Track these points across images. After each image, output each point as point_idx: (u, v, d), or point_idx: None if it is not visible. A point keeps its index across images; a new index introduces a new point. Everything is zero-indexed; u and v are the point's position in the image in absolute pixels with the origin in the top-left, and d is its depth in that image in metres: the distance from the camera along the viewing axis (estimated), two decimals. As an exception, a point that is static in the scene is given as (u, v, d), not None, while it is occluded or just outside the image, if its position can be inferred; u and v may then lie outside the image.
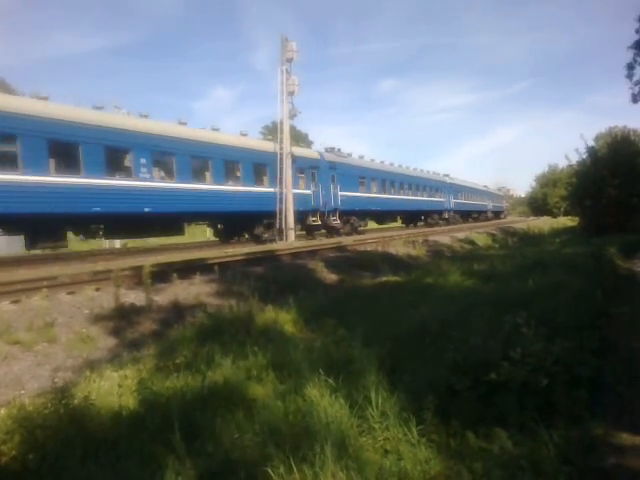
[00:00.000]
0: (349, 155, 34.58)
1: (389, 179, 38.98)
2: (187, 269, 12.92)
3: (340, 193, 30.88)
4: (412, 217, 45.36)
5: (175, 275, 11.78)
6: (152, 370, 5.75)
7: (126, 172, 19.02)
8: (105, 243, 31.48)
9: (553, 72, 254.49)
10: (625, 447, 3.63)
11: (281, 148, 26.55)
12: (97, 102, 18.34)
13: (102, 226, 19.15)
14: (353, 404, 3.99)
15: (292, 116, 27.44)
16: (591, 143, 27.72)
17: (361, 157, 37.17)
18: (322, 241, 25.44)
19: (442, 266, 13.61)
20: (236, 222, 25.02)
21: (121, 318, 9.34)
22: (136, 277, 11.32)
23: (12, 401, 5.48)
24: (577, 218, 30.75)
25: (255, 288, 10.42)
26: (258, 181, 25.23)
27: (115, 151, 18.66)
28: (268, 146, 26.50)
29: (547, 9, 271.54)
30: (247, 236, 25.97)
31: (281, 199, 25.95)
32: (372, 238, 25.08)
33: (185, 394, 4.80)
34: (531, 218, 75.95)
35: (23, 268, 14.81)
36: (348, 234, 30.56)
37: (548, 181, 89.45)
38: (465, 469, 3.21)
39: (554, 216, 73.32)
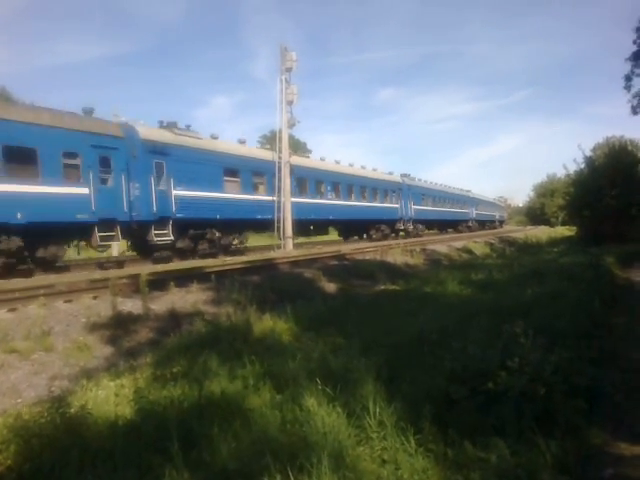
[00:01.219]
0: (414, 178, 47.55)
1: (438, 196, 51.67)
2: (184, 277, 12.91)
3: (413, 207, 43.53)
4: (449, 225, 56.78)
5: (172, 283, 11.77)
6: (149, 379, 5.73)
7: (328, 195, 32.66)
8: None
9: (552, 81, 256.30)
10: (624, 457, 3.62)
11: (280, 157, 26.64)
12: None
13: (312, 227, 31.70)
14: (350, 414, 3.98)
15: (291, 125, 27.55)
16: (589, 153, 27.82)
17: (419, 179, 49.48)
18: (320, 250, 25.46)
19: (440, 275, 13.63)
20: (352, 226, 36.88)
21: (118, 326, 9.32)
22: (133, 285, 11.31)
23: (8, 410, 5.46)
24: (575, 228, 30.77)
25: (253, 297, 10.40)
26: (350, 196, 35.38)
27: (334, 183, 33.00)
28: (343, 169, 36.39)
29: (546, 19, 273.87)
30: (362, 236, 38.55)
31: (279, 207, 26.04)
32: (371, 247, 25.11)
33: (182, 403, 4.78)
34: (529, 227, 76.19)
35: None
36: (415, 236, 41.61)
37: (546, 191, 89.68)
38: (463, 479, 3.20)
39: (552, 225, 73.49)
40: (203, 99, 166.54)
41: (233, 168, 24.26)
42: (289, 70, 26.52)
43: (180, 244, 21.16)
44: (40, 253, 16.27)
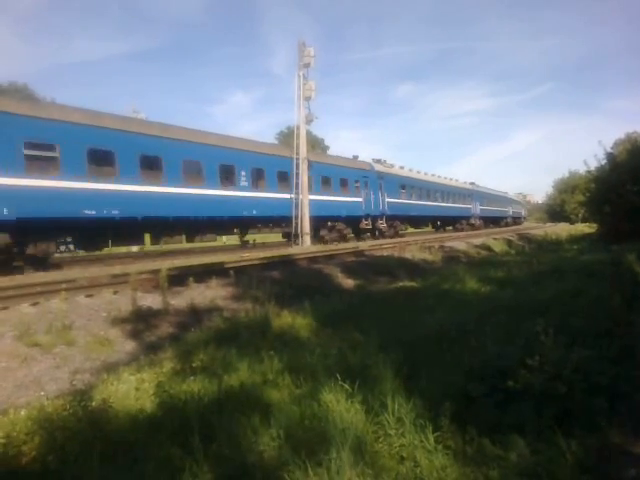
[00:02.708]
0: (478, 185, 62.32)
1: (491, 198, 67.29)
2: (203, 273, 12.99)
3: (479, 207, 59.83)
4: (495, 221, 68.91)
5: (191, 279, 11.86)
6: (169, 373, 5.80)
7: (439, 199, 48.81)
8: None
9: (571, 77, 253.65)
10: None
11: (297, 153, 26.64)
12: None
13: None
14: (369, 410, 3.99)
15: (309, 121, 27.57)
16: (609, 149, 27.29)
17: (480, 185, 63.60)
18: (338, 246, 25.49)
19: (458, 272, 13.54)
20: (443, 221, 52.80)
21: (138, 321, 9.42)
22: (153, 280, 11.42)
23: (32, 403, 5.55)
24: (595, 225, 30.28)
25: (271, 292, 10.44)
26: (444, 200, 49.68)
27: (438, 191, 48.15)
28: (439, 180, 51.26)
29: (564, 14, 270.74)
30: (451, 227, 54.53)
31: (297, 204, 26.06)
32: (389, 243, 25.07)
33: (202, 398, 4.83)
34: (548, 224, 75.34)
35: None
36: (478, 229, 54.60)
37: (567, 187, 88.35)
38: (482, 477, 3.19)
39: (572, 222, 72.50)
40: (221, 95, 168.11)
41: (404, 184, 40.28)
42: (307, 66, 26.51)
43: (384, 228, 36.18)
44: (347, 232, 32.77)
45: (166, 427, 4.24)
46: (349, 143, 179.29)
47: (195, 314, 10.23)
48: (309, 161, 27.37)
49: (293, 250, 23.00)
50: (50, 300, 9.77)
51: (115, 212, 17.89)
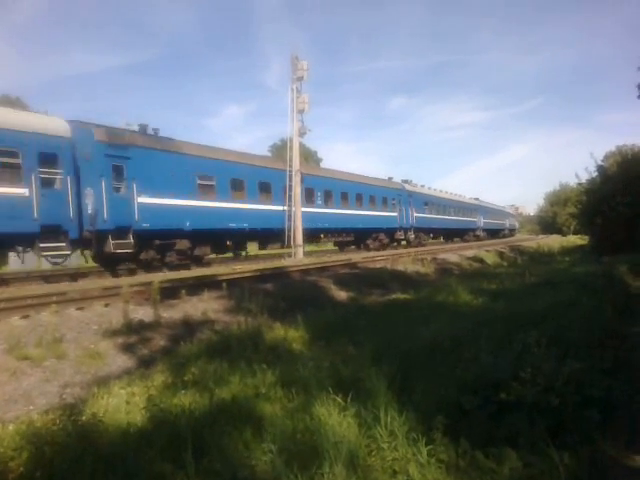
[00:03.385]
0: (482, 200, 69.29)
1: (492, 212, 72.60)
2: (196, 286, 12.94)
3: (483, 220, 64.96)
4: (494, 233, 73.78)
5: (184, 291, 11.80)
6: (160, 387, 5.74)
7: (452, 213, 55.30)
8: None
9: (563, 89, 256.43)
10: (639, 469, 3.57)
11: (290, 166, 26.72)
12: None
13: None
14: (362, 423, 3.96)
15: (302, 134, 27.66)
16: (600, 162, 27.49)
17: (483, 200, 70.65)
18: (331, 258, 25.48)
19: (451, 284, 13.55)
20: (452, 233, 56.39)
21: (130, 334, 9.34)
22: (145, 293, 11.35)
23: (21, 417, 5.48)
24: (587, 237, 30.42)
25: (263, 305, 10.41)
26: (455, 214, 55.52)
27: (449, 207, 53.00)
28: (451, 196, 57.25)
29: (557, 27, 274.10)
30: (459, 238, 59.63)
31: (290, 216, 26.10)
32: (382, 255, 25.11)
33: (193, 411, 4.78)
34: (540, 236, 75.78)
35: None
36: (482, 240, 59.70)
37: (558, 199, 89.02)
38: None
39: (564, 234, 72.88)
40: (216, 108, 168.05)
41: (426, 201, 46.14)
42: (300, 79, 26.65)
43: (412, 239, 42.15)
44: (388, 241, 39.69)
45: (157, 441, 4.18)
46: (344, 156, 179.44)
47: (187, 327, 10.16)
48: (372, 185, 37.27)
49: (286, 262, 22.99)
50: (41, 313, 9.71)
51: (245, 225, 24.21)
